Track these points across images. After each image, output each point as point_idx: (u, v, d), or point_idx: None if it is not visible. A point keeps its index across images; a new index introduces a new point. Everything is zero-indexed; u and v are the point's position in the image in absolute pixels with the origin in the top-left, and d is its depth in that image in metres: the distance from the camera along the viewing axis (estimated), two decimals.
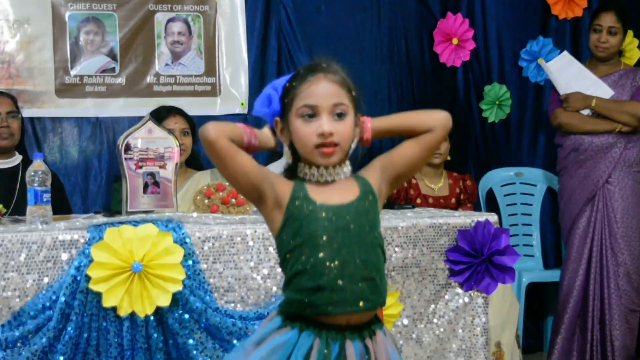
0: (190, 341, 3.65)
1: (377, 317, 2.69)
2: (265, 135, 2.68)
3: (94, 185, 5.69)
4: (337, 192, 2.59)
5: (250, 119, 5.94)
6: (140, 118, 4.36)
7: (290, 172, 2.66)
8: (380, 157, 2.74)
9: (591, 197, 5.77)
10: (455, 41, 6.43)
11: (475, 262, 4.09)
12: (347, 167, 2.63)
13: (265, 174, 2.59)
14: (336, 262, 2.53)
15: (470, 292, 4.14)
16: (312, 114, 2.51)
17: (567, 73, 5.93)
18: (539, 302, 6.42)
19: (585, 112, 5.79)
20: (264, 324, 2.67)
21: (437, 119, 2.69)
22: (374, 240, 2.62)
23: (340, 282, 2.52)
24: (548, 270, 6.34)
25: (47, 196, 3.84)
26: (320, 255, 2.53)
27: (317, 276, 2.52)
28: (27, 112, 5.31)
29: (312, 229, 2.54)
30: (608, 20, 5.83)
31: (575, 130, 5.81)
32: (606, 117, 5.74)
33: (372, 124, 2.71)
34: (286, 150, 2.65)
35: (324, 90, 2.52)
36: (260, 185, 2.57)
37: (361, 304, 2.55)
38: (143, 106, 5.53)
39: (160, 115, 5.03)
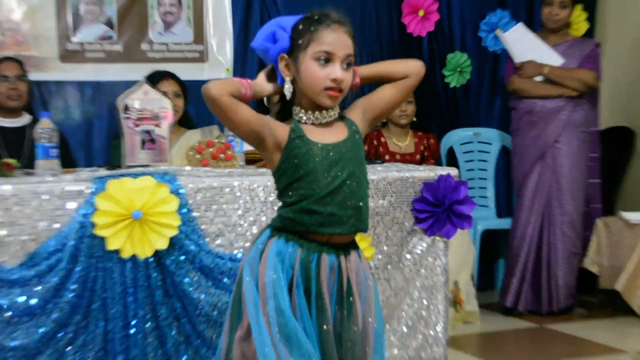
0: (186, 280, 3.69)
1: (355, 243, 2.78)
2: (259, 85, 2.68)
3: (96, 142, 5.71)
4: (329, 132, 2.67)
5: None
6: (136, 82, 4.38)
7: (284, 115, 2.71)
8: (362, 99, 2.81)
9: (542, 154, 5.84)
10: (421, 13, 6.46)
11: (438, 211, 4.13)
12: (337, 109, 2.68)
13: (265, 121, 2.62)
14: (329, 192, 2.61)
15: (432, 237, 4.17)
16: (328, 59, 2.55)
17: (521, 43, 5.97)
18: (492, 247, 6.49)
19: (538, 78, 5.84)
20: (256, 236, 2.77)
21: (413, 67, 2.80)
22: (361, 174, 2.72)
23: (330, 208, 2.62)
24: (500, 219, 6.41)
25: (54, 151, 3.87)
26: (315, 186, 2.61)
27: (311, 203, 2.61)
28: (33, 76, 5.30)
29: (309, 165, 2.61)
30: None
31: (528, 95, 5.87)
32: (557, 83, 5.79)
33: (360, 71, 2.77)
34: (288, 84, 2.65)
35: (341, 40, 2.56)
36: (261, 132, 2.61)
37: (346, 227, 2.65)
38: (138, 71, 5.51)
39: (154, 79, 5.03)
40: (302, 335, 2.55)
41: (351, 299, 2.69)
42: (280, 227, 2.68)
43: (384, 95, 2.80)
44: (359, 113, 2.78)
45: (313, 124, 2.66)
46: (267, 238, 2.69)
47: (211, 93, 2.55)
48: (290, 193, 2.65)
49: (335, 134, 2.68)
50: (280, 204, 2.74)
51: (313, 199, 2.61)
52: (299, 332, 2.55)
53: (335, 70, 2.56)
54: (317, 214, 2.62)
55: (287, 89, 2.65)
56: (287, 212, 2.66)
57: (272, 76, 2.72)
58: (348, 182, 2.65)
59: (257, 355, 2.55)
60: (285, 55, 2.62)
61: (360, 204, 2.69)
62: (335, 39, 2.55)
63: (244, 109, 2.59)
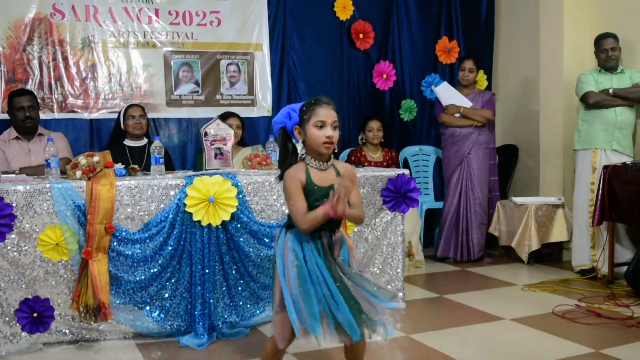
0: (241, 239, 3.66)
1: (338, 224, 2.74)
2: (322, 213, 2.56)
3: (187, 155, 5.66)
4: (325, 177, 2.65)
5: (272, 119, 5.92)
6: (211, 118, 4.35)
7: (297, 157, 2.69)
8: (352, 176, 2.74)
9: (460, 162, 5.76)
10: (385, 76, 6.38)
11: (397, 196, 4.10)
12: (331, 160, 2.69)
13: (301, 186, 2.61)
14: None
15: (394, 213, 4.14)
16: (322, 125, 2.59)
17: (446, 93, 5.89)
18: (431, 219, 6.41)
19: (457, 115, 5.77)
20: (277, 236, 2.74)
21: (361, 220, 2.74)
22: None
23: (323, 226, 2.62)
24: (436, 202, 6.31)
25: (161, 160, 3.84)
26: (315, 206, 2.59)
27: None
28: (150, 115, 5.25)
29: (316, 200, 2.61)
30: (468, 64, 5.80)
31: (451, 125, 5.78)
32: (468, 118, 5.73)
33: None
34: (300, 144, 2.68)
35: (329, 113, 2.61)
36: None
37: (330, 227, 2.67)
38: (214, 112, 5.50)
39: (225, 116, 4.98)
40: (312, 292, 2.55)
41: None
42: (292, 225, 2.65)
43: (352, 199, 2.68)
44: (344, 172, 2.70)
45: (316, 168, 2.65)
46: (284, 235, 2.68)
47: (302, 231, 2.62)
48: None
49: (329, 178, 2.65)
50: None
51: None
52: (310, 291, 2.55)
53: (327, 131, 2.60)
54: (316, 230, 2.62)
55: (300, 145, 2.70)
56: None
57: (289, 140, 2.70)
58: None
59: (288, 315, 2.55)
60: (297, 127, 2.66)
61: (338, 221, 2.68)
62: (326, 113, 2.61)
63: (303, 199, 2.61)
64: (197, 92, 5.69)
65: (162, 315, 3.59)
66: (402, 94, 6.51)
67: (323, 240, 2.64)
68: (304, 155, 2.67)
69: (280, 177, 2.68)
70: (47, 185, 3.38)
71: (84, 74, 5.36)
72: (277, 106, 5.92)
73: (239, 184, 3.69)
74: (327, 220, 2.56)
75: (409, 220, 5.20)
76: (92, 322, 3.46)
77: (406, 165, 6.37)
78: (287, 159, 2.69)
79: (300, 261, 2.60)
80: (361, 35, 6.25)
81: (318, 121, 2.60)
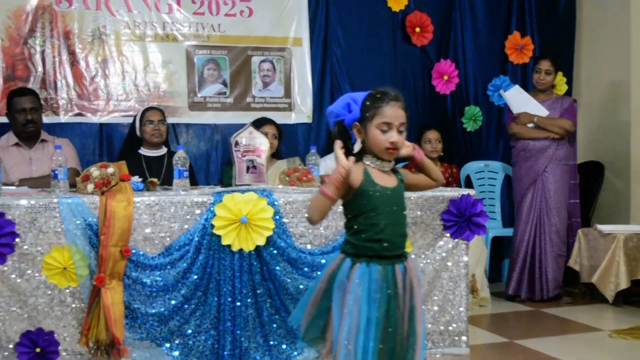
0: (277, 268, 3.68)
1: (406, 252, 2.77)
2: (331, 186, 2.61)
3: (212, 167, 5.73)
4: (387, 179, 2.70)
5: (312, 126, 6.01)
6: (241, 125, 4.40)
7: (358, 157, 2.69)
8: (406, 170, 2.86)
9: (533, 181, 5.75)
10: (445, 77, 6.42)
11: (460, 220, 4.10)
12: (393, 162, 2.72)
13: (343, 183, 2.61)
14: (388, 225, 2.66)
15: (456, 240, 4.13)
16: (387, 129, 2.61)
17: (518, 99, 5.89)
18: (498, 249, 6.39)
19: (530, 125, 5.77)
20: (333, 269, 2.71)
21: (440, 180, 2.88)
22: (404, 212, 2.76)
23: (390, 237, 2.65)
24: (505, 228, 6.30)
25: (186, 173, 3.89)
26: (379, 219, 2.65)
27: (378, 233, 2.64)
28: (170, 120, 5.32)
29: (375, 202, 2.64)
30: (545, 65, 5.80)
31: (523, 137, 5.78)
32: (544, 129, 5.72)
33: (420, 156, 2.79)
34: (358, 143, 2.68)
35: (396, 113, 2.63)
36: (345, 191, 2.64)
37: (399, 249, 2.70)
38: (243, 117, 5.58)
39: (259, 123, 5.02)
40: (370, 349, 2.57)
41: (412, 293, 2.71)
42: (356, 254, 2.66)
43: (418, 179, 2.85)
44: (403, 172, 2.81)
45: (377, 169, 2.69)
46: (349, 263, 2.66)
47: (312, 224, 2.78)
48: (359, 221, 2.67)
49: (390, 181, 2.71)
50: (348, 229, 2.74)
51: (377, 229, 2.65)
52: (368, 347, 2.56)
53: (393, 135, 2.62)
54: (381, 241, 2.65)
55: (357, 146, 2.69)
56: (358, 240, 2.67)
57: (346, 136, 2.72)
58: (398, 217, 2.71)
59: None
60: (357, 124, 2.68)
61: (405, 232, 2.76)
62: (393, 113, 2.62)
63: (331, 203, 2.65)
64: (225, 93, 5.78)
65: (183, 355, 3.63)
66: (466, 99, 6.53)
67: (397, 276, 2.65)
68: (364, 155, 2.69)
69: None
70: (55, 200, 3.45)
71: (93, 71, 5.48)
72: (318, 111, 5.98)
73: (275, 202, 3.72)
74: (391, 245, 2.63)
75: (473, 250, 5.17)
76: None
77: (469, 183, 6.37)
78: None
79: (363, 307, 2.58)
80: (418, 29, 6.30)
81: (382, 123, 2.62)
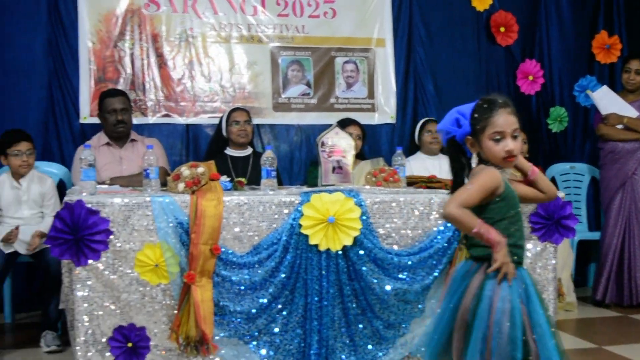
0: (364, 268, 3.68)
1: None
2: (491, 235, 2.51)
3: (295, 167, 5.78)
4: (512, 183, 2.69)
5: (396, 127, 5.99)
6: (324, 125, 4.44)
7: (485, 163, 2.63)
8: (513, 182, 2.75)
9: (622, 184, 5.63)
10: (530, 78, 6.33)
11: (549, 223, 4.03)
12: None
13: (492, 186, 2.54)
14: (522, 231, 2.66)
15: (545, 242, 4.07)
16: (500, 138, 2.54)
17: (606, 100, 5.78)
18: (584, 253, 6.26)
19: (619, 126, 5.65)
20: (475, 286, 2.59)
21: (553, 194, 2.84)
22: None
23: (524, 242, 2.68)
24: (591, 232, 6.18)
25: (274, 173, 3.94)
26: (519, 226, 2.64)
27: (521, 238, 2.64)
28: (254, 121, 5.37)
29: (516, 208, 2.62)
30: (635, 64, 5.69)
31: (612, 139, 5.66)
32: (634, 130, 5.60)
33: (537, 172, 2.78)
34: (474, 157, 2.66)
35: (507, 120, 2.54)
36: (491, 194, 2.56)
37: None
38: (327, 118, 5.65)
39: (344, 124, 5.04)
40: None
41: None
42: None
43: (529, 190, 2.78)
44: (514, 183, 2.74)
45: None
46: (492, 281, 2.54)
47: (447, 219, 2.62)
48: (503, 225, 2.58)
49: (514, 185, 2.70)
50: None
51: (520, 234, 2.64)
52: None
53: (507, 144, 2.54)
54: (521, 248, 2.64)
55: (474, 160, 2.66)
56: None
57: (460, 151, 2.68)
58: (523, 222, 2.70)
59: None
60: (469, 138, 2.62)
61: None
62: (503, 121, 2.54)
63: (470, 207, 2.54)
64: (309, 94, 5.82)
65: (271, 353, 3.66)
66: (551, 99, 6.44)
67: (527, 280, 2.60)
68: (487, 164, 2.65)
69: (452, 190, 2.66)
70: (148, 199, 3.52)
71: (180, 73, 5.58)
72: (401, 112, 5.97)
73: (362, 203, 3.72)
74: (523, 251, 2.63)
75: (560, 254, 5.07)
76: (192, 356, 3.58)
77: (554, 186, 6.25)
78: (462, 172, 2.67)
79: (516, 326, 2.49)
80: (502, 29, 6.23)
81: (494, 132, 2.54)
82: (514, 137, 2.56)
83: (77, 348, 3.48)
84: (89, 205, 3.43)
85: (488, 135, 2.55)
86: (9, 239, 4.43)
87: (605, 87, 5.93)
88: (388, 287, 3.71)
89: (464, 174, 2.67)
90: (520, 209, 2.63)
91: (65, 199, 3.52)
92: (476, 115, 2.59)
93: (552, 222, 4.04)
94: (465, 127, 2.61)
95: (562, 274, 5.34)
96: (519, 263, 2.60)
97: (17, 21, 5.29)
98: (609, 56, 6.52)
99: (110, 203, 3.49)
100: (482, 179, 2.54)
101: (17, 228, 4.47)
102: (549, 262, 4.09)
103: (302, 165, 5.76)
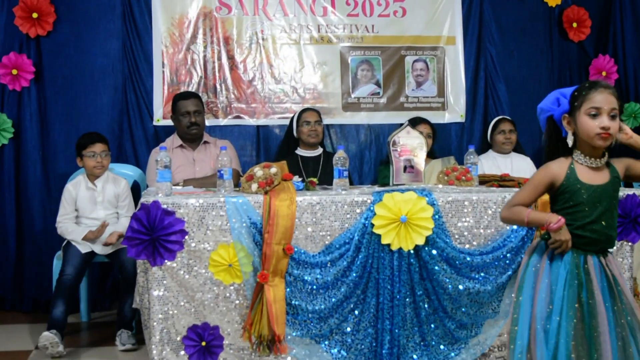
0: (436, 267, 3.65)
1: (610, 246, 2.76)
2: (542, 218, 2.70)
3: (365, 167, 5.77)
4: (596, 176, 2.68)
5: (466, 125, 5.94)
6: (395, 125, 4.43)
7: (567, 152, 2.71)
8: (631, 159, 2.78)
9: None
10: (604, 74, 6.19)
11: (626, 221, 3.94)
12: (606, 158, 2.70)
13: (544, 181, 2.71)
14: (592, 221, 2.66)
15: (621, 241, 3.99)
16: (596, 114, 2.59)
17: None
18: None
19: None
20: (532, 248, 2.81)
21: None
22: (615, 209, 2.73)
23: (592, 233, 2.66)
24: None
25: (345, 173, 3.94)
26: (582, 215, 2.66)
27: (579, 228, 2.66)
28: (324, 121, 5.34)
29: (578, 199, 2.66)
30: None
31: None
32: None
33: (632, 135, 2.81)
34: (570, 136, 2.68)
35: (606, 98, 2.60)
36: (546, 188, 2.72)
37: (598, 248, 2.70)
38: (397, 117, 5.64)
39: (414, 122, 5.02)
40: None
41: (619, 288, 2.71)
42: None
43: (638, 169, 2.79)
44: (623, 166, 2.76)
45: (586, 165, 2.67)
46: (538, 257, 2.76)
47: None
48: (561, 215, 2.68)
49: (601, 177, 2.69)
50: None
51: (580, 225, 2.66)
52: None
53: (603, 120, 2.58)
54: (579, 237, 2.66)
55: (570, 139, 2.68)
56: None
57: (558, 131, 2.74)
58: (605, 216, 2.68)
59: None
60: (567, 115, 2.68)
61: (612, 232, 2.72)
62: (602, 98, 2.60)
63: (526, 205, 2.75)
64: (378, 94, 5.80)
65: (342, 352, 3.67)
66: (626, 95, 6.29)
67: (589, 267, 2.65)
68: (574, 151, 2.70)
69: None
70: (222, 199, 3.57)
71: (251, 75, 5.63)
72: (471, 110, 5.91)
73: (435, 202, 3.70)
74: (591, 241, 2.65)
75: (636, 252, 4.97)
76: (265, 355, 3.61)
77: (628, 183, 6.11)
78: (554, 154, 2.73)
79: (558, 290, 2.63)
80: (575, 24, 6.11)
81: (591, 108, 2.60)
82: (612, 117, 2.59)
83: (152, 347, 3.55)
84: (165, 206, 3.49)
85: (585, 111, 2.61)
86: (97, 235, 4.53)
87: None
88: (461, 287, 3.68)
89: (559, 154, 2.73)
90: (595, 204, 2.65)
91: (142, 200, 3.59)
92: (576, 93, 2.66)
93: (628, 220, 3.95)
94: (564, 106, 2.68)
95: (638, 273, 5.20)
96: (575, 248, 2.67)
97: (93, 27, 5.41)
98: None
99: (185, 204, 3.54)
100: (534, 176, 2.75)
101: (104, 225, 4.57)
102: (625, 261, 4.03)
103: (371, 165, 5.73)
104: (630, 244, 4.02)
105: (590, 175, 2.67)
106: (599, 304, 2.60)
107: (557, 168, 2.68)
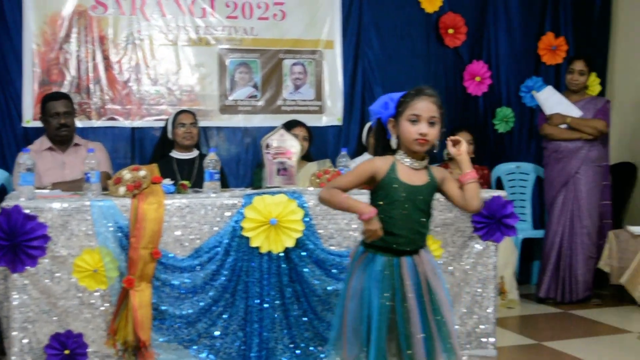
0: (305, 270, 3.67)
1: (422, 246, 2.86)
2: (356, 206, 2.77)
3: (241, 169, 5.74)
4: (415, 176, 2.78)
5: (343, 128, 5.98)
6: (272, 128, 4.40)
7: (391, 152, 2.82)
8: (450, 176, 2.91)
9: (565, 182, 5.70)
10: (478, 79, 6.36)
11: (491, 222, 4.05)
12: (426, 162, 2.82)
13: (366, 172, 2.80)
14: (404, 220, 2.77)
15: (486, 241, 4.10)
16: (416, 120, 2.71)
17: (551, 100, 5.84)
18: (528, 251, 6.29)
19: (563, 126, 5.70)
20: (353, 253, 2.94)
21: (477, 207, 2.90)
22: (427, 211, 2.83)
23: (404, 232, 2.76)
24: (535, 230, 6.24)
25: (217, 176, 3.89)
26: (395, 213, 2.76)
27: (391, 227, 2.75)
28: (201, 123, 5.27)
29: (394, 196, 2.75)
30: (579, 65, 5.75)
31: (555, 138, 5.73)
32: (577, 130, 5.66)
33: (468, 178, 2.86)
34: (394, 139, 2.79)
35: (426, 106, 2.72)
36: (367, 179, 2.80)
37: (412, 246, 2.80)
38: (274, 120, 5.60)
39: (290, 125, 4.99)
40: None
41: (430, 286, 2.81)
42: (369, 244, 2.80)
43: (455, 192, 2.88)
44: (440, 175, 2.88)
45: (407, 165, 2.78)
46: (361, 252, 2.85)
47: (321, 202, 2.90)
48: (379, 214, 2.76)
49: (420, 179, 2.79)
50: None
51: (391, 223, 2.75)
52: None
53: (422, 128, 2.70)
54: (395, 235, 2.76)
55: (393, 141, 2.80)
56: None
57: (383, 133, 2.85)
58: (416, 215, 2.78)
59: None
60: (392, 119, 2.80)
61: (423, 231, 2.83)
62: (423, 106, 2.72)
63: (345, 191, 2.83)
64: (256, 96, 5.78)
65: (211, 357, 3.63)
66: (498, 100, 6.48)
67: (403, 269, 2.75)
68: (398, 150, 2.80)
69: None
70: (87, 203, 3.47)
71: (126, 76, 5.51)
72: (349, 114, 5.96)
73: (305, 204, 3.71)
74: (404, 240, 2.75)
75: (502, 252, 5.11)
76: None
77: (500, 185, 6.31)
78: (382, 153, 2.83)
79: (366, 293, 2.75)
80: (451, 31, 6.25)
81: (412, 115, 2.71)
82: (431, 124, 2.72)
83: (12, 358, 3.42)
84: (27, 211, 3.37)
85: (406, 117, 2.73)
86: None
87: (549, 88, 6.00)
88: (329, 288, 3.70)
89: (384, 154, 2.83)
90: (410, 203, 2.75)
91: (2, 204, 3.45)
92: (402, 99, 2.77)
93: (493, 221, 4.06)
94: (391, 110, 2.79)
95: (505, 272, 5.39)
96: (385, 249, 2.77)
97: None
98: (555, 57, 6.57)
99: (48, 208, 3.43)
100: (359, 165, 2.84)
101: None
102: (489, 260, 4.12)
103: (248, 168, 5.71)
104: (494, 244, 4.12)
105: (410, 175, 2.77)
106: (412, 309, 2.71)
107: (381, 163, 2.78)
